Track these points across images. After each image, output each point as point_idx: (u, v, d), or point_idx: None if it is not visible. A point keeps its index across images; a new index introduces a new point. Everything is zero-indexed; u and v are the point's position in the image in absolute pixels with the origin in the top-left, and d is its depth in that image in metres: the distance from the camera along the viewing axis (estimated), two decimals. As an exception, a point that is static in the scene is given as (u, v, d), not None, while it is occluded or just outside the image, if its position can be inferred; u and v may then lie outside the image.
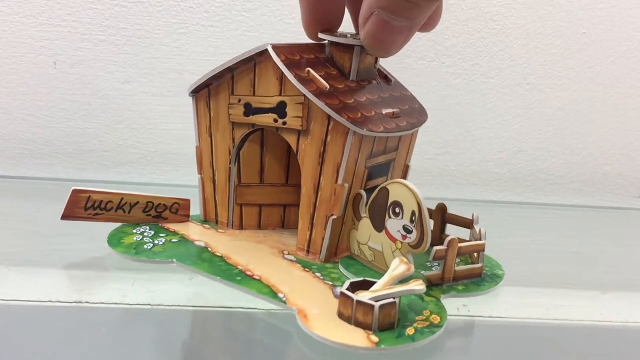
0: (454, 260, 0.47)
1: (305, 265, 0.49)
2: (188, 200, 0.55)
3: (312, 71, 0.47)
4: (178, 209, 0.54)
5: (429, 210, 0.49)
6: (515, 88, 0.74)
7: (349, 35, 0.48)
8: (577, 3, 0.72)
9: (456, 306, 0.45)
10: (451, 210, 0.53)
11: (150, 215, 0.53)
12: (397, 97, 0.52)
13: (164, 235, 0.52)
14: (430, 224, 0.45)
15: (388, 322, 0.40)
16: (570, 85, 0.74)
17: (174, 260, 0.48)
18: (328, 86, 0.46)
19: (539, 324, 0.45)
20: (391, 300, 0.40)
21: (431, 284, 0.47)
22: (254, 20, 0.70)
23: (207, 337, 0.42)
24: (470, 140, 0.74)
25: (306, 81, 0.46)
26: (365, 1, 0.39)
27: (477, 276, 0.49)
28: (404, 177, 0.53)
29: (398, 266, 0.43)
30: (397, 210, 0.45)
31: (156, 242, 0.51)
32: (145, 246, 0.50)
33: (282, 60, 0.46)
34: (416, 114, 0.52)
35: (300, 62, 0.47)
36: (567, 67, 0.74)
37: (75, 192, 0.49)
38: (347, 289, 0.41)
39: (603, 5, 0.72)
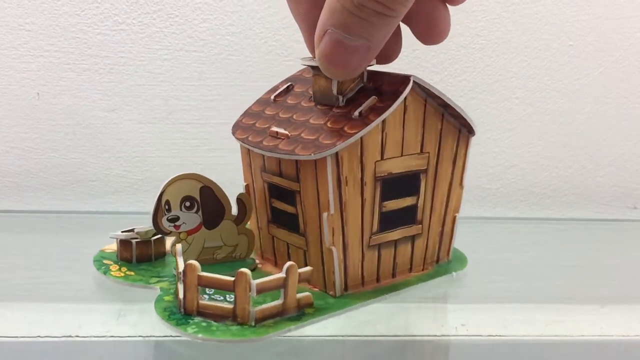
0: (246, 295, 0.42)
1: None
2: None
3: (283, 87, 0.53)
4: None
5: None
6: (504, 103, 0.73)
7: None
8: (563, 15, 0.72)
9: (454, 325, 0.44)
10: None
11: None
12: (316, 126, 0.46)
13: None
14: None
15: (146, 254, 0.52)
16: (560, 98, 0.74)
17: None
18: (271, 97, 0.52)
19: (539, 340, 0.44)
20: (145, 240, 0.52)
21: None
22: (238, 44, 0.69)
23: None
24: (462, 157, 0.74)
25: (269, 91, 0.54)
26: (320, 19, 0.37)
27: (283, 314, 0.43)
28: (321, 226, 0.46)
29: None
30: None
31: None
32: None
33: (291, 75, 0.54)
34: (316, 149, 0.44)
35: (295, 77, 0.53)
36: (556, 79, 0.73)
37: None
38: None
39: (589, 16, 0.72)
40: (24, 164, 0.70)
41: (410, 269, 0.51)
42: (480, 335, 0.44)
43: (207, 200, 0.49)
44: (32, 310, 0.46)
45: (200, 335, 0.41)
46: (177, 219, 0.48)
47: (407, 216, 0.49)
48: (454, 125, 0.49)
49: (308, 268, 0.44)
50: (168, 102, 0.70)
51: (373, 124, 0.43)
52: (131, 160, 0.71)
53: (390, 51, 0.45)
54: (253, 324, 0.42)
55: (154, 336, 0.42)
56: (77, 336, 0.42)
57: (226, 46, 0.69)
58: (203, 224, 0.50)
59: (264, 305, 0.43)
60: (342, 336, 0.43)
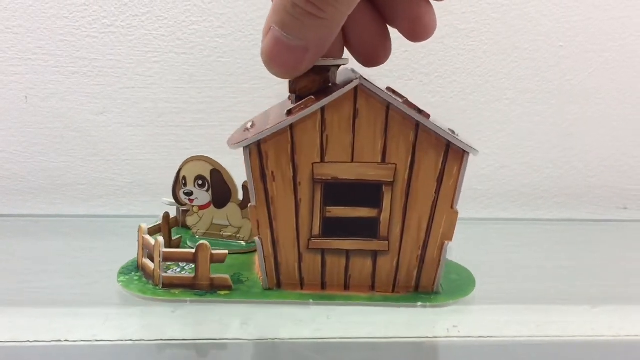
0: (158, 260, 0.48)
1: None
2: None
3: None
4: None
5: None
6: (494, 104, 0.73)
7: None
8: (553, 16, 0.72)
9: (446, 327, 0.44)
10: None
11: None
12: (268, 122, 0.46)
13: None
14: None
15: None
16: (550, 99, 0.74)
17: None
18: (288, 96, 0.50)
19: (530, 341, 0.44)
20: None
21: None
22: (227, 46, 0.69)
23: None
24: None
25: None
26: (268, 16, 0.38)
27: (193, 287, 0.48)
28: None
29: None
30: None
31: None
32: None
33: None
34: (235, 141, 0.46)
35: None
36: (546, 80, 0.73)
37: None
38: None
39: (579, 17, 0.72)
40: (12, 167, 0.70)
41: (373, 287, 0.48)
42: (472, 337, 0.44)
43: (216, 182, 0.55)
44: (22, 315, 0.45)
45: (120, 285, 0.49)
46: (191, 193, 0.55)
47: (364, 228, 0.47)
48: (438, 139, 0.44)
49: (223, 251, 0.48)
50: (157, 104, 0.69)
51: (286, 122, 0.43)
52: (120, 164, 0.71)
53: (376, 54, 0.44)
54: (160, 287, 0.48)
55: (144, 340, 0.42)
56: (67, 340, 0.41)
57: (216, 48, 0.69)
58: (212, 202, 0.56)
59: (173, 274, 0.49)
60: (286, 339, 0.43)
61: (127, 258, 0.53)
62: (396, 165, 0.45)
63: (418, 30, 0.42)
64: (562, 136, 0.75)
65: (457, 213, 0.46)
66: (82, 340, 0.41)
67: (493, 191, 0.75)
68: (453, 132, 0.45)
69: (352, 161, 0.45)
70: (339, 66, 0.45)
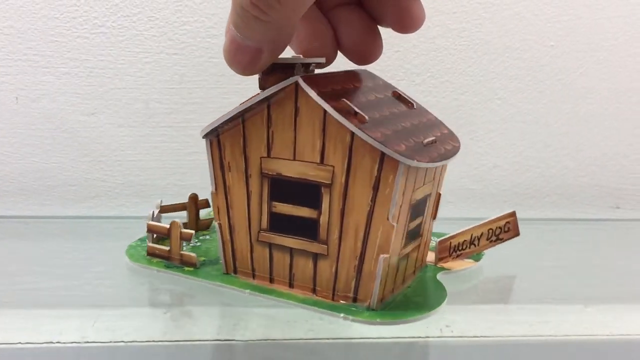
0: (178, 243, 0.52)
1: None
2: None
3: None
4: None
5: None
6: (486, 103, 0.73)
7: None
8: (543, 16, 0.72)
9: (439, 327, 0.44)
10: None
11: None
12: None
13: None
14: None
15: None
16: (542, 98, 0.74)
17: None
18: None
19: (524, 341, 0.44)
20: None
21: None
22: (219, 47, 0.68)
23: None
24: (445, 158, 0.74)
25: None
26: None
27: (169, 260, 0.52)
28: None
29: None
30: None
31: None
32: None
33: None
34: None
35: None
36: (538, 80, 0.73)
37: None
38: None
39: (569, 17, 0.72)
40: (2, 168, 0.70)
41: (314, 290, 0.47)
42: (465, 337, 0.44)
43: None
44: (13, 317, 0.45)
45: (125, 252, 0.54)
46: None
47: (306, 228, 0.46)
48: (374, 145, 0.41)
49: (190, 231, 0.51)
50: (149, 105, 0.69)
51: (234, 112, 0.45)
52: (112, 164, 0.70)
53: (367, 52, 0.45)
54: (146, 254, 0.53)
55: (135, 341, 0.42)
56: (58, 342, 0.41)
57: (207, 49, 0.69)
58: None
59: (155, 245, 0.53)
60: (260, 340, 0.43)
61: (120, 258, 0.53)
62: (334, 167, 0.43)
63: (406, 21, 0.43)
64: (554, 135, 0.75)
65: (393, 227, 0.43)
66: (73, 342, 0.41)
67: (485, 191, 0.75)
68: (436, 136, 0.46)
69: (294, 159, 0.45)
70: (309, 65, 0.45)
